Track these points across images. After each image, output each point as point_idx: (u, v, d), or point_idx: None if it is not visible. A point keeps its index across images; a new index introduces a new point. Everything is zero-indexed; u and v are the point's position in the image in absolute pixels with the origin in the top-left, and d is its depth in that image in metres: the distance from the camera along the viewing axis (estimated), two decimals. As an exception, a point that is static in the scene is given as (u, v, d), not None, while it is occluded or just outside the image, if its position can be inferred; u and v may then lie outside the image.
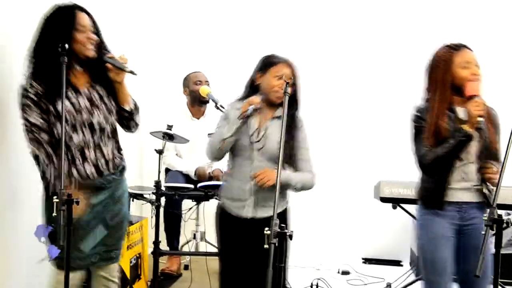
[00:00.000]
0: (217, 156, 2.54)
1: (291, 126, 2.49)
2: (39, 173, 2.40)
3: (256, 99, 2.46)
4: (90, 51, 2.37)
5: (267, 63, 2.54)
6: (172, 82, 4.39)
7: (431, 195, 2.44)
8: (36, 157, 2.37)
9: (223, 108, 3.67)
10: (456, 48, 2.40)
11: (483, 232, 2.03)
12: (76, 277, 2.43)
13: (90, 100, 2.42)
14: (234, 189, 2.50)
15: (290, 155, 2.48)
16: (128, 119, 2.52)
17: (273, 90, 2.48)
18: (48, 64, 2.29)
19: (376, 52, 4.72)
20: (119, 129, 2.59)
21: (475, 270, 2.25)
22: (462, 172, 2.40)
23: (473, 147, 2.38)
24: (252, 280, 2.41)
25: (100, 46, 2.42)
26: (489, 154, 2.40)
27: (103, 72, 2.41)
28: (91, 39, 2.37)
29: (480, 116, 2.27)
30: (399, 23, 4.69)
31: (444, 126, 2.36)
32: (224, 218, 2.56)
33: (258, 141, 2.48)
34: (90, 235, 2.44)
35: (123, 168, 2.56)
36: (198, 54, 4.67)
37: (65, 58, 2.20)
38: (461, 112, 2.39)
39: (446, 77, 2.39)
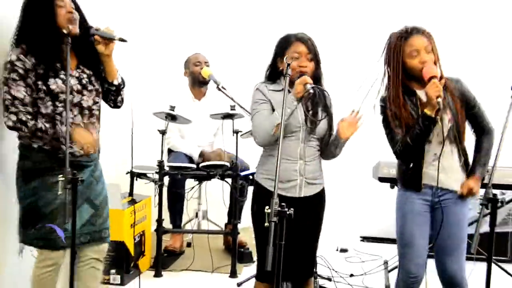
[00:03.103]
0: (269, 141, 2.43)
1: (325, 105, 2.54)
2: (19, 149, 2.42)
3: (307, 78, 2.38)
4: (74, 28, 2.34)
5: (283, 47, 2.50)
6: (174, 64, 4.40)
7: (408, 177, 2.50)
8: (16, 130, 2.35)
9: (225, 89, 3.73)
10: (405, 36, 2.42)
11: (477, 212, 2.08)
12: (59, 255, 2.44)
13: (80, 81, 2.43)
14: (282, 170, 2.40)
15: (330, 132, 2.57)
16: (115, 94, 2.53)
17: (296, 72, 2.42)
18: (39, 42, 2.31)
19: (374, 33, 4.47)
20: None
21: (443, 244, 2.43)
22: (433, 154, 2.43)
23: (444, 128, 2.39)
24: (298, 259, 2.42)
25: (82, 23, 2.40)
26: (458, 133, 2.43)
27: (90, 51, 2.40)
28: (73, 15, 2.35)
29: (438, 97, 2.26)
30: (398, 8, 4.68)
31: (406, 113, 2.41)
32: (268, 199, 2.35)
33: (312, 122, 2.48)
34: (76, 214, 2.40)
35: (99, 149, 2.59)
36: (199, 36, 4.68)
37: (69, 39, 2.25)
38: (423, 95, 2.40)
39: (397, 67, 2.43)
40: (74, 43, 2.35)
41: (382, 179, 3.71)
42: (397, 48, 2.43)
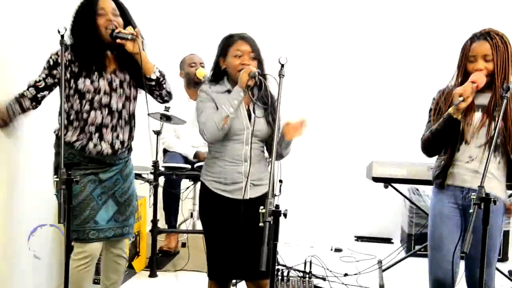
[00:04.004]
0: (218, 136, 2.40)
1: (271, 105, 2.49)
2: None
3: (251, 67, 2.37)
4: (108, 35, 2.43)
5: (225, 45, 2.49)
6: (169, 65, 4.26)
7: (436, 174, 2.52)
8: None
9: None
10: (473, 39, 2.43)
11: (470, 210, 2.08)
12: (94, 248, 2.54)
13: (110, 84, 2.50)
14: (228, 173, 2.45)
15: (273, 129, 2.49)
16: (156, 88, 2.56)
17: (237, 70, 2.41)
18: (80, 45, 2.44)
19: (368, 36, 4.78)
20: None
21: (468, 247, 2.29)
22: (468, 156, 2.43)
23: (481, 131, 2.39)
24: (244, 258, 2.43)
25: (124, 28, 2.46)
26: (504, 143, 2.39)
27: (129, 56, 2.46)
28: (110, 22, 2.43)
29: (460, 95, 2.29)
30: (390, 12, 4.76)
31: (446, 109, 2.41)
32: (214, 201, 2.49)
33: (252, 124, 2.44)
34: (103, 209, 2.55)
35: (131, 148, 2.70)
36: (194, 37, 4.68)
37: (64, 40, 2.30)
38: (478, 99, 2.41)
39: (461, 66, 2.47)
40: (116, 48, 2.46)
41: (375, 179, 3.73)
42: (464, 49, 2.46)
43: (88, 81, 2.45)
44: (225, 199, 2.46)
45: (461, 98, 2.29)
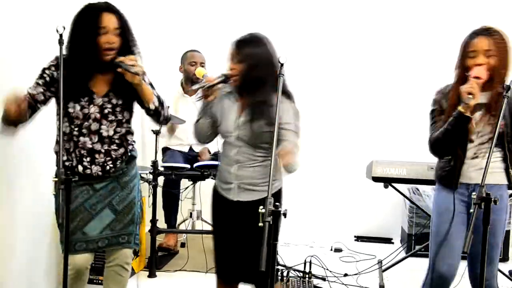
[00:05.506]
0: (199, 139, 2.62)
1: (264, 107, 2.38)
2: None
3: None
4: (107, 56, 2.36)
5: None
6: (165, 62, 4.42)
7: (444, 174, 2.52)
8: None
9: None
10: (473, 36, 2.43)
11: (471, 210, 2.08)
12: (83, 258, 2.48)
13: (102, 111, 2.43)
14: (222, 172, 2.51)
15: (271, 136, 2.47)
16: (155, 116, 2.53)
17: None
18: (76, 63, 2.32)
19: (368, 35, 4.77)
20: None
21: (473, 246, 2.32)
22: (473, 153, 2.45)
23: (486, 128, 2.41)
24: (242, 257, 2.45)
25: (123, 49, 2.38)
26: (507, 141, 2.42)
27: (125, 81, 2.37)
28: (109, 43, 2.34)
29: (469, 93, 2.29)
30: (391, 12, 4.75)
31: (451, 109, 2.42)
32: (216, 198, 2.56)
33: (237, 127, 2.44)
34: (96, 219, 2.47)
35: (131, 157, 2.58)
36: (196, 32, 4.67)
37: (63, 40, 2.19)
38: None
39: (460, 63, 2.46)
40: (109, 69, 2.37)
41: (375, 179, 3.73)
42: (463, 46, 2.45)
43: (78, 107, 2.38)
44: (223, 198, 2.49)
45: (471, 96, 2.29)
